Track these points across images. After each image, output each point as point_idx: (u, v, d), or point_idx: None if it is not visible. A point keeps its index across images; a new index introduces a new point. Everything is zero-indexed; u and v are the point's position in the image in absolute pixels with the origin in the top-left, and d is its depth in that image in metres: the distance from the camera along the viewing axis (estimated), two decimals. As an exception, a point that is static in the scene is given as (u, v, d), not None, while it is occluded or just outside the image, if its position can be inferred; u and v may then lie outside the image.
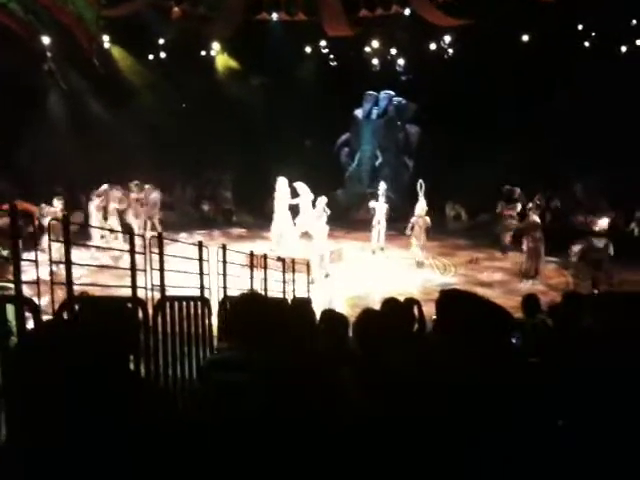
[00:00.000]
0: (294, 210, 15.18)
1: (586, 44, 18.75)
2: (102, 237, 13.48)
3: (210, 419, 2.81)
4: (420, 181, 15.30)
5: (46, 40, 16.93)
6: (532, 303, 6.09)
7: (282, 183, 15.25)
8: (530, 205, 13.94)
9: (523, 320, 5.74)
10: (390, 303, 4.33)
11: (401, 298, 4.85)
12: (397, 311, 4.31)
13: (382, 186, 16.63)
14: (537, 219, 13.43)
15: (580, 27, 18.38)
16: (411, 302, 4.81)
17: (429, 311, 3.80)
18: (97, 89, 19.46)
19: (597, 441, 2.18)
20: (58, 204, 12.82)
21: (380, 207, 16.14)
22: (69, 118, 19.32)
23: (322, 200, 13.98)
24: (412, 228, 14.90)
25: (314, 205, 14.32)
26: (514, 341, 3.45)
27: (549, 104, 18.18)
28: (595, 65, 17.43)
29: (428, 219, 14.90)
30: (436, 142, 19.73)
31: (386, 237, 16.24)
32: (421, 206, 15.04)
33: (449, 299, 2.62)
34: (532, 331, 5.36)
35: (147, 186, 16.66)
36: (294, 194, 15.23)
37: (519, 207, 16.21)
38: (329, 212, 14.00)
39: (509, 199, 16.72)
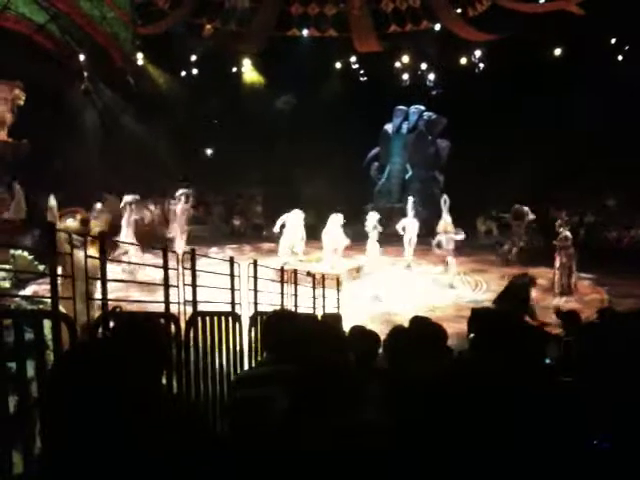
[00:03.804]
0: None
1: (619, 57, 18.56)
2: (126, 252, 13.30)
3: (235, 433, 2.83)
4: (445, 196, 15.19)
5: (82, 58, 17.39)
6: (573, 319, 6.00)
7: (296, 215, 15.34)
8: (559, 221, 13.73)
9: (557, 337, 5.65)
10: (419, 321, 4.31)
11: (432, 314, 4.82)
12: (427, 328, 4.28)
13: (410, 200, 16.38)
14: (569, 234, 13.24)
15: (613, 41, 18.23)
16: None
17: (461, 328, 3.77)
18: (131, 106, 19.87)
19: (634, 461, 2.14)
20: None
21: (410, 223, 15.89)
22: (103, 133, 19.74)
23: (373, 216, 13.99)
24: (439, 245, 14.77)
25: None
26: (548, 360, 3.40)
27: (582, 118, 17.98)
28: (629, 77, 17.21)
29: (453, 235, 14.67)
30: (467, 156, 19.61)
31: (416, 252, 16.10)
32: (445, 222, 14.91)
33: (481, 317, 2.61)
34: (566, 349, 5.27)
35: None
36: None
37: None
38: (381, 229, 13.99)
39: (517, 217, 17.04)
